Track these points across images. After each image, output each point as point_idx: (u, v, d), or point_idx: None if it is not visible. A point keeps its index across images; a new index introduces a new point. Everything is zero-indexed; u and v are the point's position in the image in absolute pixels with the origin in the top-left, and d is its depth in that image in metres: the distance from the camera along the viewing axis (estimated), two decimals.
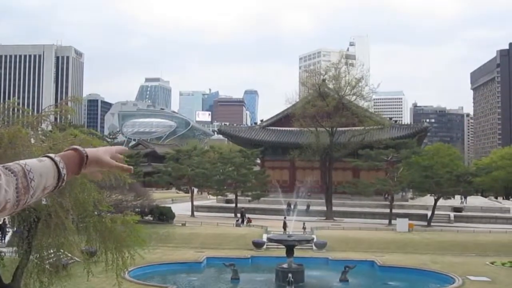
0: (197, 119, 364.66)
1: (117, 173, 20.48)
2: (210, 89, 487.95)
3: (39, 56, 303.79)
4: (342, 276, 31.52)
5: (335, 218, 59.96)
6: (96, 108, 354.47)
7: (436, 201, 56.25)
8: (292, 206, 55.66)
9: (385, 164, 60.49)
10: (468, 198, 72.40)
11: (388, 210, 57.84)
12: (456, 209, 64.06)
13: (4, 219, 28.74)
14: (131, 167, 2.17)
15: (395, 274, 34.24)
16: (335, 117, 62.19)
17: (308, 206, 60.06)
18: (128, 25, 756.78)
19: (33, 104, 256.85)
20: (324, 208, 61.95)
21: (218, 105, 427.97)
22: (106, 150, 2.10)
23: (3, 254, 19.80)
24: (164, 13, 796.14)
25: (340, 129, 63.84)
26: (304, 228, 45.86)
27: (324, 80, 68.20)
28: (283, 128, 76.28)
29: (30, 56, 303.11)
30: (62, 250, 21.16)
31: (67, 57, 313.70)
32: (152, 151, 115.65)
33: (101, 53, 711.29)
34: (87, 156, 2.00)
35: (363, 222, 56.50)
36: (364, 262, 36.41)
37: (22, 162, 1.83)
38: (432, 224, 55.49)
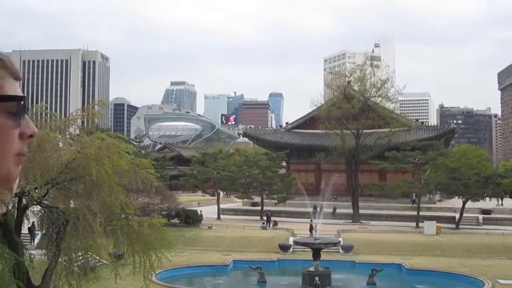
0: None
1: (144, 176, 20.61)
2: (235, 92, 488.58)
3: (66, 61, 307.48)
4: (369, 279, 31.29)
5: (361, 221, 59.58)
6: (123, 111, 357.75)
7: (464, 203, 55.60)
8: (318, 209, 55.36)
9: (412, 166, 59.98)
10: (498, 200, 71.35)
11: (415, 213, 57.32)
12: (485, 212, 63.25)
13: (33, 221, 29.07)
14: None
15: (423, 278, 33.92)
16: (360, 119, 61.81)
17: (334, 209, 59.79)
18: (153, 30, 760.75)
19: (60, 108, 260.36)
20: (351, 211, 61.64)
21: (243, 108, 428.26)
22: None
23: (32, 256, 19.98)
24: (189, 17, 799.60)
25: (366, 131, 63.39)
26: (313, 229, 45.18)
27: (349, 82, 67.87)
28: (309, 131, 76.04)
29: (57, 61, 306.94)
30: (90, 253, 21.32)
31: (94, 62, 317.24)
32: (178, 154, 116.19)
33: (127, 58, 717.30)
34: None
35: (390, 225, 56.07)
36: (392, 265, 36.13)
37: None
38: (460, 226, 54.81)
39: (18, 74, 1.34)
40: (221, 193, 69.20)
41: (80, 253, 20.72)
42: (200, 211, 56.73)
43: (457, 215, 56.64)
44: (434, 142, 62.98)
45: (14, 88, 1.31)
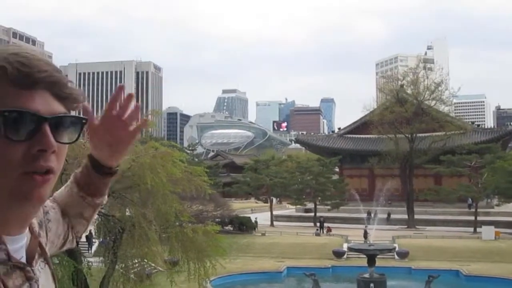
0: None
1: (198, 183, 20.83)
2: (286, 99, 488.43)
3: (120, 72, 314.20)
4: (426, 286, 30.63)
5: (417, 227, 58.54)
6: (176, 120, 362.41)
7: None
8: (372, 215, 54.76)
9: (468, 170, 58.64)
10: None
11: (472, 218, 55.99)
12: None
13: (90, 229, 29.73)
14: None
15: (481, 284, 33.04)
16: (414, 123, 60.88)
17: (389, 215, 59.04)
18: (204, 41, 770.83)
19: None
20: (406, 216, 60.66)
21: (294, 114, 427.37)
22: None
23: (90, 263, 20.46)
24: (238, 26, 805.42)
25: (420, 135, 62.37)
26: (368, 235, 44.47)
27: (402, 86, 66.95)
28: (361, 136, 75.32)
29: (111, 72, 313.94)
30: (146, 260, 21.66)
31: (147, 72, 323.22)
32: (231, 161, 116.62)
33: (178, 68, 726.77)
34: None
35: (446, 230, 54.87)
36: (449, 272, 35.32)
37: None
38: None
39: (24, 82, 1.11)
40: (274, 200, 69.10)
41: (136, 260, 21.08)
42: (255, 218, 56.82)
43: None
44: (491, 145, 61.47)
45: (6, 100, 1.10)
